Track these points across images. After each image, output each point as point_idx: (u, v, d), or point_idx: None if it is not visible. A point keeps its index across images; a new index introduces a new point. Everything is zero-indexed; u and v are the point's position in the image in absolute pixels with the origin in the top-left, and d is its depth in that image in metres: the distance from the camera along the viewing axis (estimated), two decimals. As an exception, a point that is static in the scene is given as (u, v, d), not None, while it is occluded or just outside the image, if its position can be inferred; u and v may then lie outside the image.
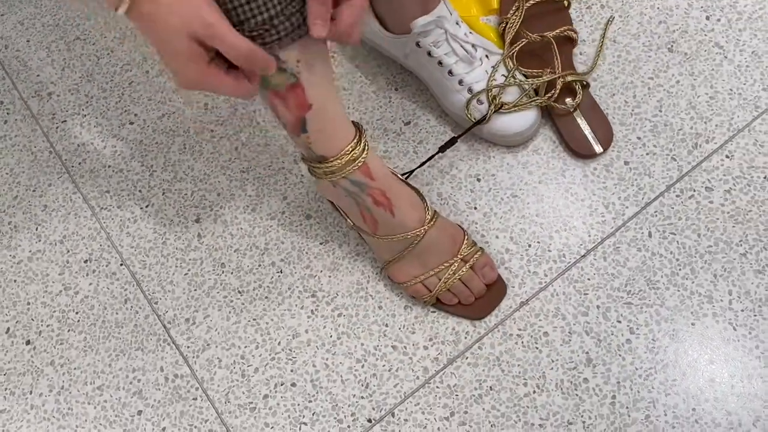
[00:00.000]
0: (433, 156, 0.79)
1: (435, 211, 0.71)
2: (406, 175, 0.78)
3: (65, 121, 0.92)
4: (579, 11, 0.87)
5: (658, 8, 0.85)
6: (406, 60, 0.82)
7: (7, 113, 0.94)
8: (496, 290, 0.74)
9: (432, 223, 0.70)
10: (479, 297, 0.73)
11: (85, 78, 0.94)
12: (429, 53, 0.77)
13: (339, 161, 0.63)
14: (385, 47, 0.84)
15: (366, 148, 0.65)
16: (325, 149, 0.64)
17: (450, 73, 0.78)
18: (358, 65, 0.89)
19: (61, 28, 0.98)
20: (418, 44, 0.77)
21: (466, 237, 0.73)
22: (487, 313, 0.73)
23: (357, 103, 0.87)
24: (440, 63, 0.78)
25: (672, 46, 0.83)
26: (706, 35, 0.83)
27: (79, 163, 0.89)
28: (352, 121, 0.66)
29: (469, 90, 0.78)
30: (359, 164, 0.64)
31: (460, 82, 0.78)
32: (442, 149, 0.79)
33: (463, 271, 0.72)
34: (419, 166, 0.80)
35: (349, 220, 0.73)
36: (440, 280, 0.72)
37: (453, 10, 0.77)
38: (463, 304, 0.73)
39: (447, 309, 0.74)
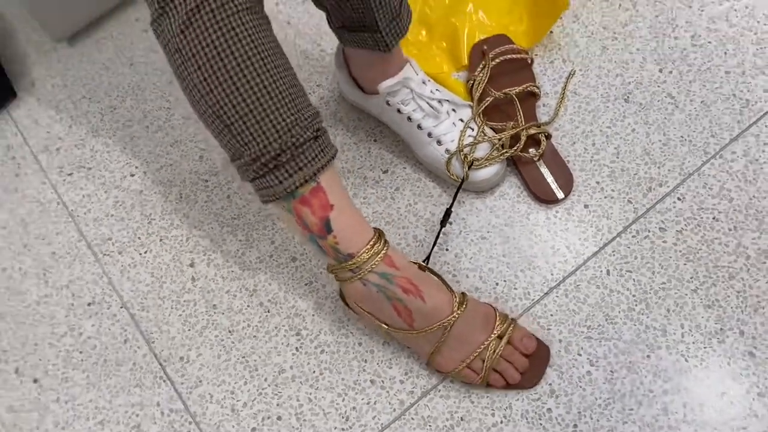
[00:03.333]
0: (439, 233, 0.83)
1: (462, 292, 0.75)
2: (425, 261, 0.81)
3: (71, 174, 0.99)
4: (543, 66, 0.94)
5: (615, 62, 0.93)
6: (381, 116, 0.89)
7: (18, 167, 1.02)
8: (539, 356, 0.76)
9: (464, 305, 0.73)
10: (524, 372, 0.75)
11: (91, 134, 1.02)
12: (398, 110, 0.85)
13: (365, 254, 0.68)
14: (362, 104, 0.91)
15: (385, 240, 0.71)
16: (350, 246, 0.68)
17: (419, 127, 0.85)
18: (340, 119, 0.96)
19: (69, 88, 1.07)
20: (387, 102, 0.85)
21: (497, 313, 0.76)
22: (537, 381, 0.75)
23: (339, 153, 0.94)
24: (409, 118, 0.85)
25: (628, 97, 0.90)
26: (659, 86, 0.90)
27: (84, 213, 0.96)
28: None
29: (438, 141, 0.85)
30: (383, 255, 0.69)
31: (429, 135, 0.85)
32: (443, 224, 0.83)
33: (501, 348, 0.73)
34: (432, 249, 0.85)
35: (384, 325, 0.74)
36: (484, 361, 0.73)
37: (419, 71, 0.85)
38: (511, 384, 0.75)
39: (499, 389, 0.76)
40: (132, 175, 0.98)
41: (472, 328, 0.73)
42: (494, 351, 0.73)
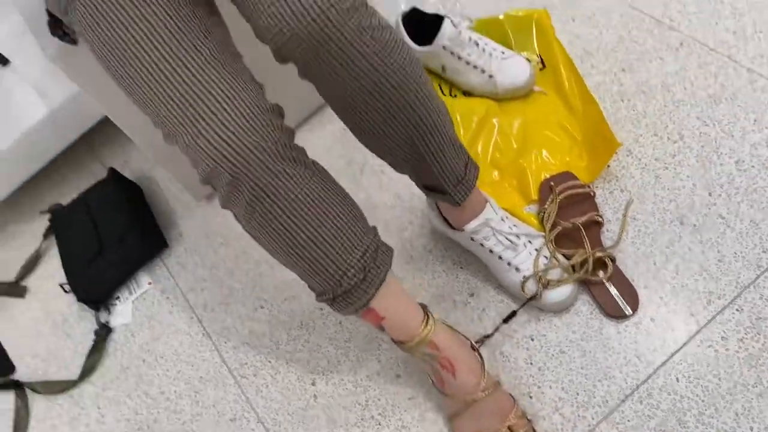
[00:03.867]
0: (498, 327, 1.00)
1: (496, 381, 0.91)
2: (479, 342, 0.98)
3: (214, 309, 1.21)
4: (603, 196, 1.09)
5: (668, 189, 1.06)
6: (467, 247, 1.06)
7: (171, 305, 1.25)
8: None
9: (487, 390, 0.89)
10: None
11: (227, 274, 1.24)
12: (482, 244, 1.01)
13: (412, 343, 0.87)
14: (451, 237, 1.08)
15: (431, 329, 0.87)
16: (401, 337, 0.88)
17: (500, 257, 1.01)
18: (430, 250, 1.14)
19: (209, 237, 1.31)
20: (472, 238, 1.01)
21: (515, 408, 0.90)
22: None
23: (430, 279, 1.10)
24: (491, 251, 1.01)
25: (683, 219, 1.02)
26: (710, 209, 1.02)
27: (225, 342, 1.16)
28: (420, 304, 0.89)
29: (517, 269, 1.00)
30: (428, 342, 0.87)
31: (509, 264, 1.00)
32: (506, 321, 1.00)
33: None
34: (489, 336, 1.00)
35: (430, 377, 0.94)
36: None
37: (498, 209, 1.01)
38: None
39: None
40: (261, 307, 1.18)
41: (490, 413, 0.90)
42: None
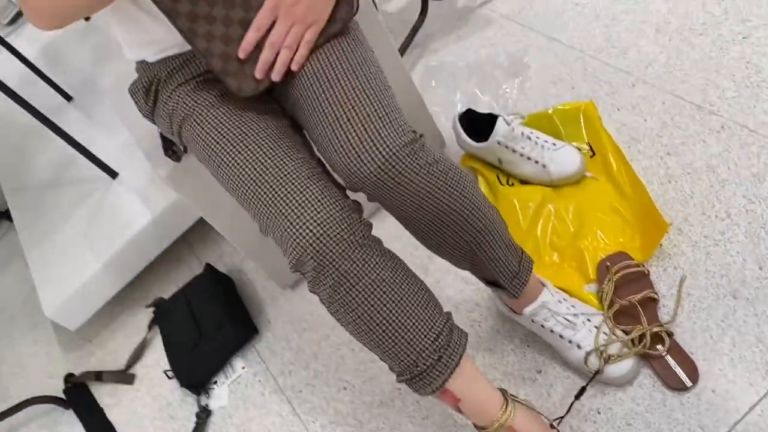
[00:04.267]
0: (572, 404, 1.06)
1: None
2: (557, 421, 1.04)
3: (301, 390, 1.33)
4: (658, 273, 1.16)
5: (719, 265, 1.12)
6: (530, 328, 1.15)
7: (263, 388, 1.37)
8: None
9: None
10: None
11: (313, 358, 1.37)
12: (542, 325, 1.09)
13: (491, 429, 0.94)
14: (515, 320, 1.17)
15: (510, 414, 0.94)
16: (481, 421, 0.95)
17: (560, 336, 1.09)
18: (498, 330, 1.23)
19: (294, 323, 1.44)
20: (533, 320, 1.10)
21: None
22: None
23: (500, 358, 1.19)
24: (551, 330, 1.09)
25: (735, 293, 1.08)
26: (761, 282, 1.08)
27: (312, 422, 1.27)
28: (500, 389, 0.97)
29: (578, 346, 1.08)
30: (507, 427, 0.94)
31: (570, 342, 1.08)
32: (577, 397, 1.06)
33: None
34: (566, 414, 1.06)
35: None
36: None
37: (555, 291, 1.10)
38: None
39: None
40: (345, 389, 1.29)
41: None
42: None
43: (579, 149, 1.34)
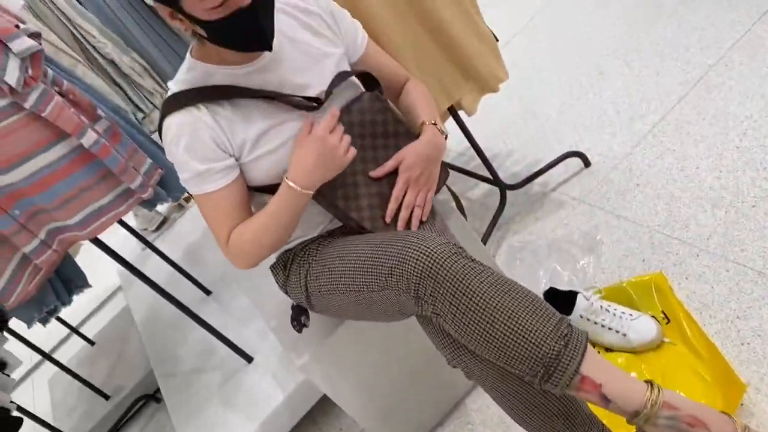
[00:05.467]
0: None
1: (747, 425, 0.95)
2: None
3: None
4: (742, 432, 1.26)
5: (799, 422, 1.22)
6: None
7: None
8: None
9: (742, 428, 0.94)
10: None
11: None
12: None
13: (647, 409, 0.92)
14: None
15: (659, 390, 0.93)
16: (632, 405, 0.94)
17: None
18: None
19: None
20: None
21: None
22: None
23: None
24: None
25: (818, 449, 1.17)
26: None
27: None
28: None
29: None
30: (662, 403, 0.92)
31: None
32: None
33: None
34: None
35: None
36: None
37: None
38: None
39: None
40: None
41: None
42: None
43: (654, 317, 1.50)
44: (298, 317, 1.49)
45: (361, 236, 1.25)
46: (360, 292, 1.17)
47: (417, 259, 1.06)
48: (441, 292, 1.04)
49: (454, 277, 1.02)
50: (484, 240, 2.00)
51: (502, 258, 1.97)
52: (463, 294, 1.01)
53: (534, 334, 0.95)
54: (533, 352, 0.95)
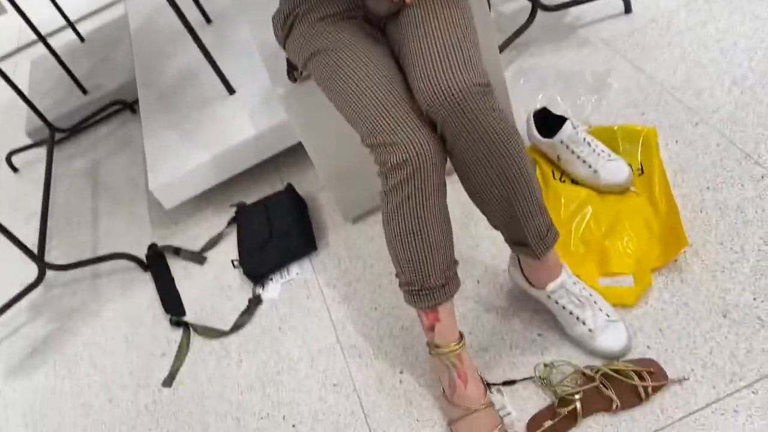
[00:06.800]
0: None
1: (492, 403, 1.21)
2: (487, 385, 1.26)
3: (340, 302, 1.56)
4: (664, 283, 1.32)
5: (720, 288, 1.27)
6: (543, 303, 1.32)
7: (309, 293, 1.61)
8: None
9: (486, 408, 1.19)
10: None
11: (355, 279, 1.59)
12: (556, 302, 1.28)
13: (447, 349, 1.19)
14: (529, 293, 1.35)
15: (463, 346, 1.19)
16: (441, 342, 1.19)
17: (570, 312, 1.27)
18: (511, 303, 1.42)
19: (348, 250, 1.67)
20: (548, 296, 1.28)
21: (501, 425, 1.19)
22: None
23: (510, 318, 1.38)
24: (563, 307, 1.27)
25: (726, 314, 1.23)
26: (751, 310, 1.22)
27: (342, 327, 1.50)
28: (460, 331, 1.21)
29: (583, 323, 1.26)
30: (456, 354, 1.18)
31: (577, 318, 1.26)
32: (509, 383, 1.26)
33: None
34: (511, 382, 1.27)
35: (442, 387, 1.23)
36: None
37: (571, 275, 1.28)
38: None
39: None
40: (375, 309, 1.51)
41: (484, 424, 1.19)
42: None
43: (630, 165, 1.51)
44: (291, 73, 1.45)
45: (368, 60, 1.17)
46: (355, 114, 1.15)
47: (411, 148, 1.06)
48: (404, 188, 1.09)
49: (421, 188, 1.09)
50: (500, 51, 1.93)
51: (508, 75, 1.92)
52: (415, 205, 1.10)
53: (434, 266, 1.14)
54: (423, 274, 1.15)
